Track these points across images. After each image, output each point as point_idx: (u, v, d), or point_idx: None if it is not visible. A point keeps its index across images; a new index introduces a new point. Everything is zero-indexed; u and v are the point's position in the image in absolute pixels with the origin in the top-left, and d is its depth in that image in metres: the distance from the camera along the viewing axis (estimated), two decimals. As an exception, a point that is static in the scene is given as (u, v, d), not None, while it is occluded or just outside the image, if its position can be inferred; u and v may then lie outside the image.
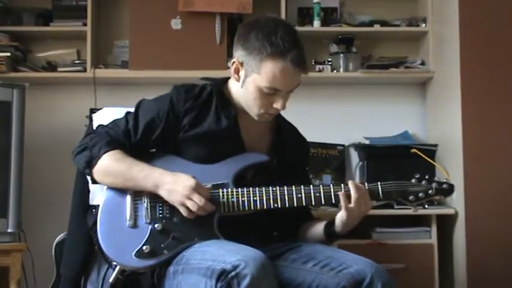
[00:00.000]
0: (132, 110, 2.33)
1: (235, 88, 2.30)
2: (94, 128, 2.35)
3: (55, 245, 3.12)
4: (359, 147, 3.88)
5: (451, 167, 3.42)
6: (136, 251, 2.12)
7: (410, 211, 3.37)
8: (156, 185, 2.15)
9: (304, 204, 2.19)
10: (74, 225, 2.51)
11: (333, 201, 2.20)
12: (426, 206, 2.25)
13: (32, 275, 3.50)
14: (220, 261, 1.91)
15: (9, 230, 3.21)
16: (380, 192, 2.20)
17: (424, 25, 3.92)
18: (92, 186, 2.44)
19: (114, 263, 2.15)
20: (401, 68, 3.91)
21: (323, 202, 2.20)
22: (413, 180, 2.23)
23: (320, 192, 2.19)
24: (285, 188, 2.18)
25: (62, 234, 3.07)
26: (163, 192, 2.15)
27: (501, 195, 3.36)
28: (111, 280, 2.16)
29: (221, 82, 2.34)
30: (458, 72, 3.43)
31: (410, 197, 2.22)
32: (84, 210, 2.43)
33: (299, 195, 2.18)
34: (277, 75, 2.11)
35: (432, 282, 3.46)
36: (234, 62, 2.22)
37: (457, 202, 3.44)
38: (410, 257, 3.45)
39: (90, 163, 2.21)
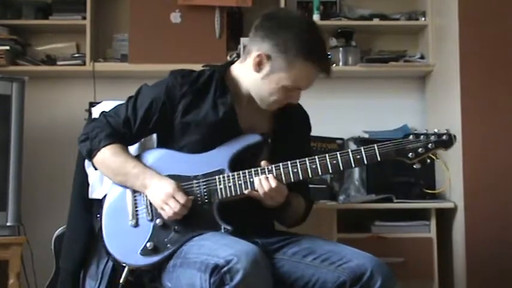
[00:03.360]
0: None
1: (245, 76, 2.28)
2: (97, 116, 2.36)
3: (54, 238, 3.13)
4: (358, 140, 3.87)
5: (450, 160, 3.42)
6: (141, 249, 2.15)
7: (409, 205, 3.45)
8: (144, 186, 2.19)
9: (301, 177, 2.14)
10: (74, 219, 2.51)
11: (330, 171, 2.14)
12: (428, 161, 2.18)
13: (32, 268, 3.50)
14: (214, 256, 1.92)
15: (8, 224, 3.21)
16: (377, 153, 2.13)
17: (423, 19, 3.91)
18: (91, 180, 2.44)
19: (124, 264, 2.18)
20: (400, 62, 3.91)
21: (320, 173, 2.15)
22: (410, 137, 2.16)
23: (316, 164, 2.14)
24: (280, 164, 2.15)
25: (61, 228, 3.07)
26: (148, 194, 2.19)
27: (500, 189, 3.36)
28: (121, 281, 2.18)
29: (223, 68, 2.34)
30: (457, 66, 3.43)
31: (410, 154, 2.13)
32: (84, 204, 2.45)
33: (295, 170, 2.14)
34: (305, 77, 2.18)
35: (431, 275, 3.46)
36: (259, 54, 2.19)
37: (456, 196, 3.45)
38: (409, 250, 3.45)
39: (91, 153, 2.26)
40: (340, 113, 4.03)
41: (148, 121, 2.27)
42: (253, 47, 2.22)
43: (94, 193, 2.43)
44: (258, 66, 2.20)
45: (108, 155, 2.23)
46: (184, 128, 2.26)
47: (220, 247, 1.96)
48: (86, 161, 2.44)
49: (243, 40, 3.83)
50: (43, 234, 3.36)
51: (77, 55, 3.89)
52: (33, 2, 3.89)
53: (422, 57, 3.95)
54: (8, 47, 3.71)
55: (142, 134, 2.33)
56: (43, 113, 3.91)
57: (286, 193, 2.18)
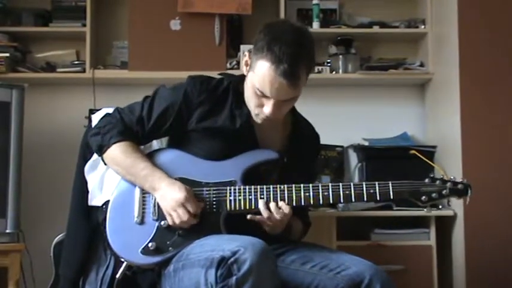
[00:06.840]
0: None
1: None
2: (111, 111, 2.34)
3: (54, 245, 3.11)
4: (358, 148, 3.88)
5: (450, 168, 3.42)
6: (142, 248, 2.14)
7: (409, 213, 3.44)
8: (152, 188, 2.19)
9: (311, 203, 2.16)
10: (73, 226, 2.51)
11: (341, 201, 2.17)
12: (440, 207, 2.19)
13: (31, 275, 3.49)
14: (219, 250, 1.91)
15: (7, 231, 3.21)
16: (391, 192, 2.14)
17: (423, 26, 3.92)
18: (90, 187, 2.44)
19: (122, 259, 2.17)
20: (400, 70, 3.91)
21: (331, 201, 2.16)
22: (426, 180, 2.16)
23: (328, 192, 2.15)
24: (293, 186, 2.16)
25: (60, 235, 3.06)
26: (156, 196, 2.18)
27: (500, 197, 3.36)
28: (118, 276, 2.18)
29: (239, 79, 2.31)
30: (457, 73, 3.43)
31: (423, 197, 2.14)
32: (83, 211, 2.44)
33: (307, 194, 2.15)
34: (265, 81, 2.08)
35: (431, 283, 3.46)
36: (246, 53, 2.21)
37: (455, 204, 3.44)
38: (409, 258, 3.45)
39: (101, 149, 2.25)
40: (340, 121, 4.03)
41: (162, 124, 2.27)
42: None
43: (93, 200, 2.42)
44: (245, 66, 2.22)
45: (117, 153, 2.22)
46: (199, 135, 2.25)
47: (225, 241, 1.95)
48: (86, 168, 2.44)
49: (243, 47, 3.84)
50: (42, 241, 3.35)
51: (76, 62, 3.89)
52: (33, 9, 3.89)
53: (421, 65, 3.95)
54: (7, 54, 3.71)
55: (154, 136, 2.33)
56: (43, 120, 3.91)
57: (286, 222, 2.19)
